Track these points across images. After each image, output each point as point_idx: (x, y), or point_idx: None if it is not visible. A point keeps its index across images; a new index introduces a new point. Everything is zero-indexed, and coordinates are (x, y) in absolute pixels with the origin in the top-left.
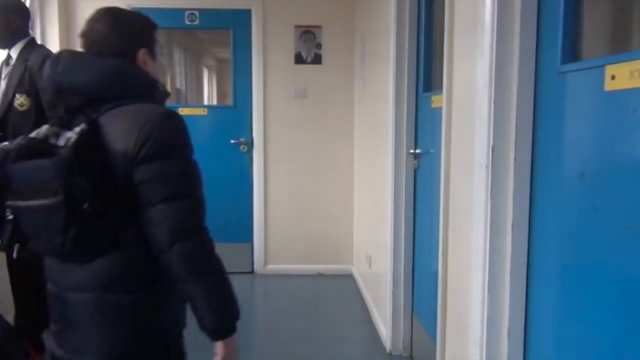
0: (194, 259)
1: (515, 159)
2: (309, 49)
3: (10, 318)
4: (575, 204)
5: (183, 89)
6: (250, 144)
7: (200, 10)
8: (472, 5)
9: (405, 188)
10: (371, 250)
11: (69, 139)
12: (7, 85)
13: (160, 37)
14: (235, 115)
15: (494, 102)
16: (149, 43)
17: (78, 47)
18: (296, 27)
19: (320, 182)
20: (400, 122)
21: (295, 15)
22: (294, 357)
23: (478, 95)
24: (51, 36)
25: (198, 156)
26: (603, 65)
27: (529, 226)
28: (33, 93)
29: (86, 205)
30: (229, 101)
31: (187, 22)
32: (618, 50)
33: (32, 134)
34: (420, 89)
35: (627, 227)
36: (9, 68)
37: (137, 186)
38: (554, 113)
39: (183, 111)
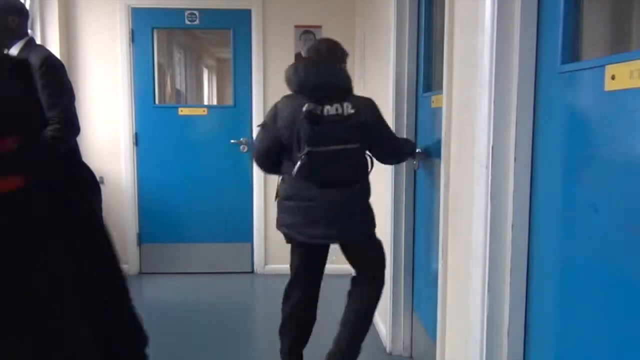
0: (401, 155)
1: (515, 159)
2: None
3: None
4: (575, 204)
5: (183, 89)
6: (250, 144)
7: (200, 10)
8: (472, 5)
9: (405, 188)
10: None
11: (343, 110)
12: None
13: (160, 37)
14: (235, 115)
15: (494, 102)
16: (344, 61)
17: (79, 46)
18: (296, 27)
19: None
20: (400, 122)
21: (295, 15)
22: None
23: (478, 95)
24: (51, 36)
25: (198, 156)
26: (603, 65)
27: (529, 226)
28: None
29: (363, 150)
30: (229, 101)
31: (187, 22)
32: (618, 50)
33: (309, 108)
34: (420, 89)
35: (627, 227)
36: None
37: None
38: (554, 113)
39: (183, 111)
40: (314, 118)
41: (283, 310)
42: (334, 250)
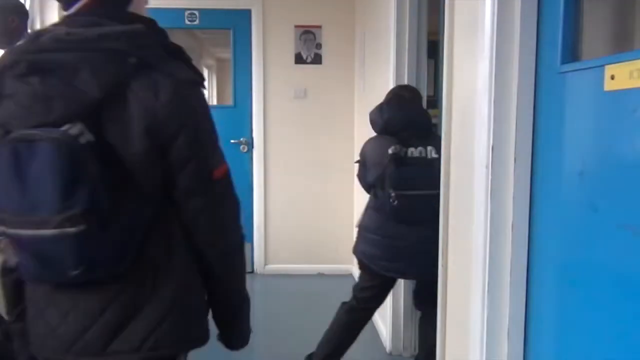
0: None
1: (515, 159)
2: (309, 49)
3: None
4: (575, 204)
5: None
6: (250, 144)
7: (200, 10)
8: (472, 5)
9: None
10: None
11: (426, 154)
12: None
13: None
14: (235, 115)
15: (494, 102)
16: (422, 104)
17: None
18: (296, 27)
19: (320, 182)
20: None
21: (295, 15)
22: (293, 357)
23: (478, 95)
24: None
25: None
26: (603, 65)
27: (529, 226)
28: None
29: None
30: (229, 101)
31: (187, 22)
32: (618, 50)
33: (395, 150)
34: None
35: (626, 227)
36: None
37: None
38: (554, 113)
39: None
40: (399, 160)
41: (329, 331)
42: None
